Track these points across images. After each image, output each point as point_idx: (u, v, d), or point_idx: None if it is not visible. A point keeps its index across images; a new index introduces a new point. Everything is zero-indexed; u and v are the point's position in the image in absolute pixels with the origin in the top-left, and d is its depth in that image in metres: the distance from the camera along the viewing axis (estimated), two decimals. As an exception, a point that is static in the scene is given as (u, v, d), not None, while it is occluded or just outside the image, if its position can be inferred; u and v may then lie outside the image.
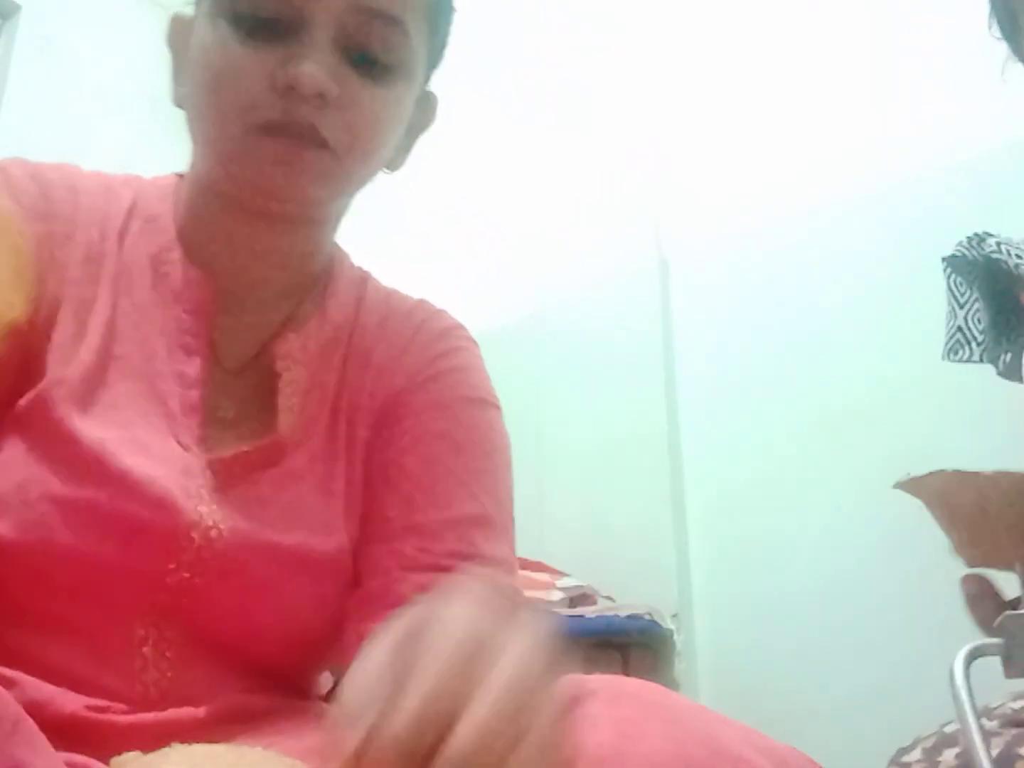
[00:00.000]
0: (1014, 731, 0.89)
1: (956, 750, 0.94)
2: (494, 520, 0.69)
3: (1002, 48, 0.91)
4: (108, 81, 2.62)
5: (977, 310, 1.46)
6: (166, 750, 0.45)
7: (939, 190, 1.88)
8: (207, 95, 0.65)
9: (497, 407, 0.76)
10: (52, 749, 0.45)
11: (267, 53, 0.63)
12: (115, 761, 0.45)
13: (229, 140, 0.64)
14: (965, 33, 1.92)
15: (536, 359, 2.41)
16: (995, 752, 0.88)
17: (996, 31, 0.88)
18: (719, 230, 2.24)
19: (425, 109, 0.76)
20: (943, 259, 1.48)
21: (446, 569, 0.64)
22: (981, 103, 1.86)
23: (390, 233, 2.62)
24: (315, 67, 0.61)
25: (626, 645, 1.97)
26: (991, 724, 0.94)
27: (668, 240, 2.34)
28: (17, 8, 2.61)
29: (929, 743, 1.02)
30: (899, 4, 2.03)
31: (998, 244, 1.40)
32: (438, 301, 0.83)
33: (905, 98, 1.97)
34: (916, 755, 1.02)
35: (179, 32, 0.70)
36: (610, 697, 0.48)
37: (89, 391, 0.63)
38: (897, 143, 1.97)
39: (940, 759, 0.97)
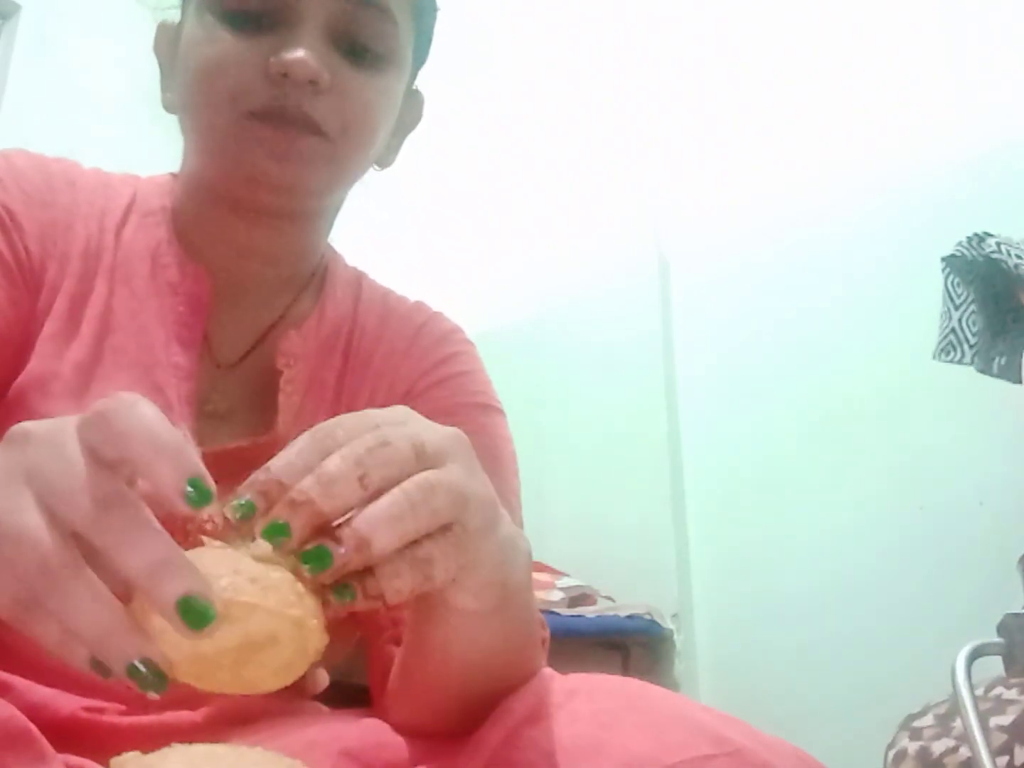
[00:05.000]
0: None
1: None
2: None
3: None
4: (107, 81, 2.62)
5: (972, 312, 1.46)
6: (166, 750, 0.44)
7: (939, 190, 1.87)
8: (197, 88, 0.65)
9: (501, 412, 0.76)
10: (54, 753, 0.45)
11: (257, 43, 0.63)
12: (114, 761, 0.44)
13: (221, 130, 0.64)
14: (965, 33, 1.92)
15: (537, 360, 2.40)
16: (1010, 719, 0.89)
17: None
18: (719, 231, 2.24)
19: (413, 107, 0.76)
20: (942, 259, 1.48)
21: None
22: (981, 103, 1.86)
23: (392, 235, 2.62)
24: (308, 54, 0.62)
25: (626, 645, 1.98)
26: (1009, 692, 0.94)
27: (668, 241, 2.34)
28: (17, 8, 2.62)
29: (941, 710, 1.02)
30: (898, 5, 2.03)
31: (998, 244, 1.41)
32: (440, 302, 0.83)
33: (905, 98, 1.97)
34: (928, 720, 1.02)
35: (165, 38, 0.71)
36: (588, 694, 0.49)
37: (83, 384, 0.63)
38: (897, 143, 1.96)
39: (954, 724, 0.98)
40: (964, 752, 0.94)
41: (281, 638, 0.36)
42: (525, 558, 0.47)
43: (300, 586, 0.38)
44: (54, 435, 0.36)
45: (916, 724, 1.04)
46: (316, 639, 0.38)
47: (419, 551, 0.38)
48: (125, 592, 0.35)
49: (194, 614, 0.33)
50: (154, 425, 0.35)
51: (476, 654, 0.49)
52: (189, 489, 0.34)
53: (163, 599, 0.33)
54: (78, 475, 0.35)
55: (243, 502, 0.37)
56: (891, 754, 1.05)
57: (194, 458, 0.35)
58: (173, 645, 0.35)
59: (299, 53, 0.61)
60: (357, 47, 0.65)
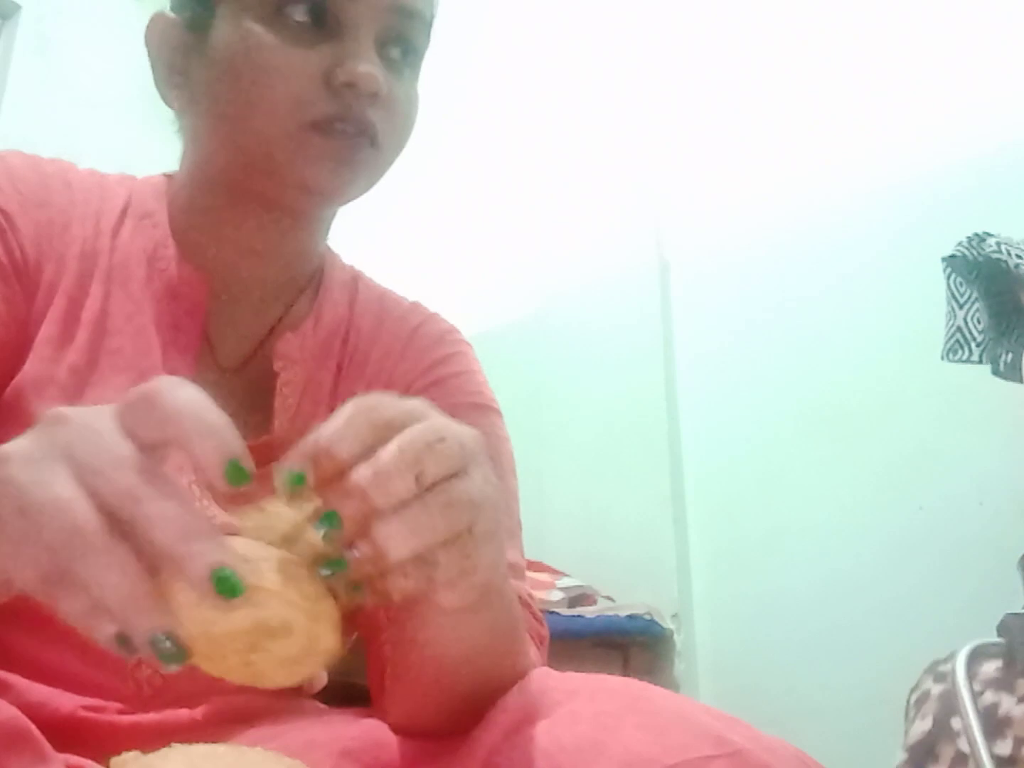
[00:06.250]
0: None
1: (996, 663, 0.94)
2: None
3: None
4: (107, 81, 2.62)
5: (977, 310, 1.46)
6: (166, 750, 0.45)
7: (939, 190, 1.87)
8: (247, 96, 0.64)
9: (498, 412, 0.76)
10: (54, 753, 0.45)
11: (314, 52, 0.63)
12: (114, 761, 0.45)
13: (277, 139, 0.63)
14: (965, 33, 1.92)
15: (536, 359, 2.40)
16: None
17: None
18: (719, 232, 2.24)
19: None
20: (943, 259, 1.48)
21: None
22: (981, 103, 1.86)
23: (392, 234, 2.62)
24: (373, 67, 0.63)
25: (626, 645, 1.97)
26: None
27: (668, 242, 2.34)
28: (17, 8, 2.61)
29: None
30: (898, 5, 2.03)
31: (998, 244, 1.40)
32: (440, 301, 0.83)
33: (905, 98, 1.97)
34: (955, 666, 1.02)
35: (165, 32, 0.69)
36: (590, 694, 0.49)
37: (79, 388, 0.63)
38: (897, 143, 1.96)
39: (980, 670, 0.97)
40: (989, 697, 0.93)
41: (294, 629, 0.37)
42: (504, 556, 0.47)
43: (322, 585, 0.39)
44: (92, 417, 0.37)
45: (942, 668, 1.03)
46: (327, 640, 0.39)
47: (427, 555, 0.39)
48: (150, 570, 0.36)
49: (225, 585, 0.34)
50: (200, 405, 0.37)
51: (460, 650, 0.50)
52: (229, 468, 0.36)
53: (196, 568, 0.34)
54: (115, 452, 0.36)
55: (295, 473, 0.38)
56: (913, 697, 1.04)
57: (237, 439, 0.37)
58: (191, 620, 0.36)
59: (368, 67, 0.62)
60: (396, 55, 0.67)
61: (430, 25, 0.69)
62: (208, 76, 0.66)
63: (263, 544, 0.39)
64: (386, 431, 0.39)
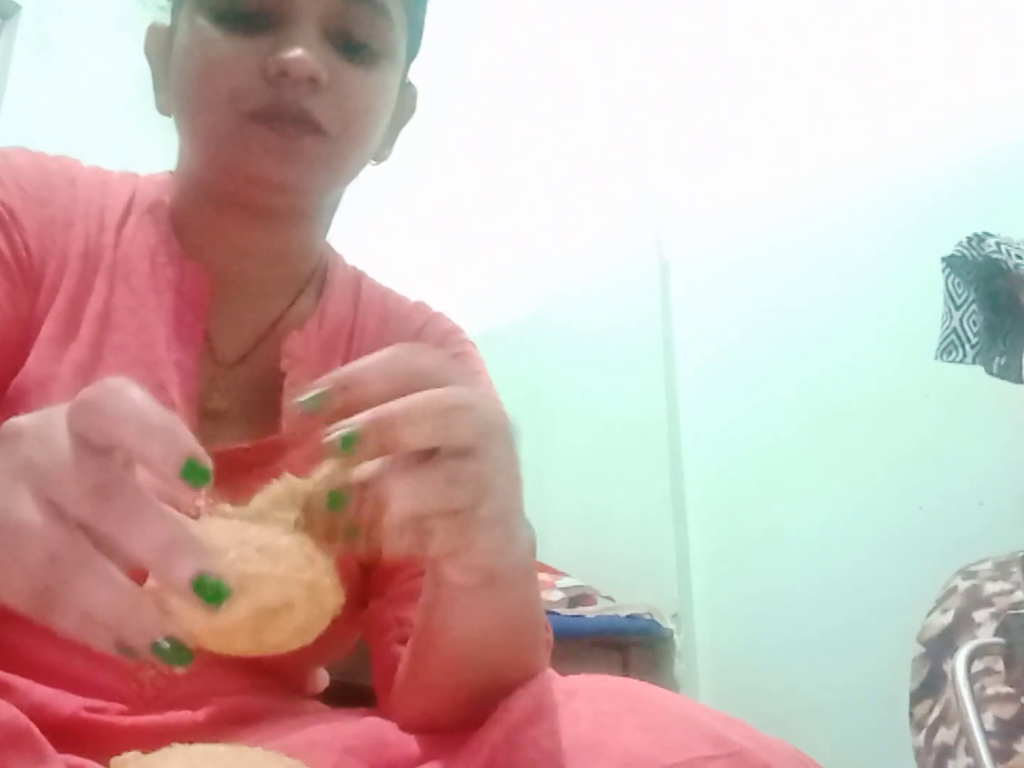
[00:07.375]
0: None
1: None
2: None
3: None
4: (107, 81, 2.62)
5: (973, 312, 1.46)
6: (166, 750, 0.45)
7: (939, 190, 1.87)
8: (194, 91, 0.65)
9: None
10: (55, 753, 0.45)
11: (253, 44, 0.63)
12: (115, 761, 0.45)
13: (220, 132, 0.64)
14: (965, 33, 1.92)
15: (536, 359, 2.40)
16: None
17: None
18: (719, 232, 2.24)
19: (406, 100, 0.76)
20: (943, 259, 1.48)
21: None
22: (981, 103, 1.86)
23: (392, 234, 2.62)
24: (306, 52, 0.62)
25: (626, 645, 1.98)
26: None
27: (668, 242, 2.34)
28: (17, 8, 2.62)
29: (1002, 558, 1.02)
30: (898, 5, 2.03)
31: (998, 244, 1.40)
32: (439, 301, 0.83)
33: (905, 98, 1.97)
34: (987, 566, 1.02)
35: (156, 40, 0.71)
36: (590, 694, 0.49)
37: (83, 385, 0.63)
38: (897, 143, 1.96)
39: (1013, 571, 0.97)
40: (1019, 595, 0.93)
41: (295, 602, 0.37)
42: (524, 550, 0.47)
43: (309, 547, 0.39)
44: (44, 428, 0.36)
45: (973, 568, 1.03)
46: (331, 598, 0.39)
47: (425, 522, 0.39)
48: (142, 571, 0.35)
49: (209, 591, 0.34)
50: (143, 408, 0.35)
51: (472, 634, 0.50)
52: (186, 468, 0.34)
53: (176, 580, 0.34)
54: (71, 465, 0.35)
55: (317, 393, 0.38)
56: (941, 595, 1.04)
57: (188, 437, 0.35)
58: (190, 619, 0.36)
59: (297, 52, 0.61)
60: (353, 43, 0.65)
61: (387, 10, 0.66)
62: (174, 76, 0.68)
63: (243, 523, 0.39)
64: (421, 383, 0.39)
